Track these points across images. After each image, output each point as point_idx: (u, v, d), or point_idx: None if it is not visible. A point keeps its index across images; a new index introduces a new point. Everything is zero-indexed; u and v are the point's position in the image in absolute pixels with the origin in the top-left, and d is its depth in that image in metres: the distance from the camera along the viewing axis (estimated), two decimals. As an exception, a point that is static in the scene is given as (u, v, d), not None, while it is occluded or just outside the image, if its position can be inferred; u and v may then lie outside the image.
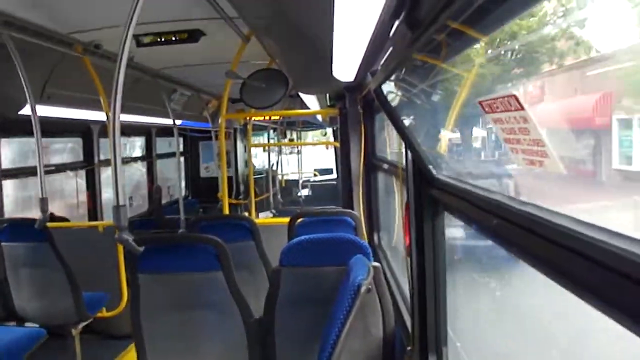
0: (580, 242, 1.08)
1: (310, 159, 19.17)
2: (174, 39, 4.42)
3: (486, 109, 1.31)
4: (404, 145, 2.93)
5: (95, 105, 5.30)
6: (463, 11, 1.34)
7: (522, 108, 1.14)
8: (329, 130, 15.75)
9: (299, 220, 4.72)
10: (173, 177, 10.65)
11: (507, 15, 1.46)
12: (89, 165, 7.23)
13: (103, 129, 7.14)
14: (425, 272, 2.69)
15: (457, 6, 1.25)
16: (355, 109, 5.21)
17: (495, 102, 1.25)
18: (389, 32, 2.18)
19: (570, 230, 1.13)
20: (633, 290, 0.89)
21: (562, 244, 1.16)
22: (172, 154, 10.11)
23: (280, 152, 15.56)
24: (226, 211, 5.46)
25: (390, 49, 2.69)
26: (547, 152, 1.14)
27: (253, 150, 12.72)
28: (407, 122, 3.37)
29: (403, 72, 2.84)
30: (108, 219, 6.99)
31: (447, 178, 2.37)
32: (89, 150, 7.21)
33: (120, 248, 5.25)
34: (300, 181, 15.63)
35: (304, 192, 14.90)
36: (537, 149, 1.17)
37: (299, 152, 16.66)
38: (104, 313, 5.31)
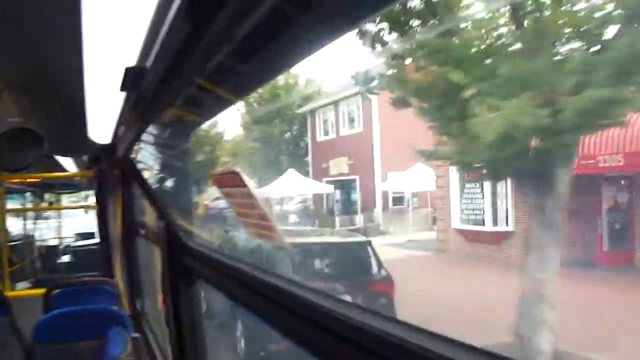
0: (320, 314, 1.17)
1: (73, 222, 18.09)
2: None
3: (217, 184, 1.34)
4: (156, 211, 2.90)
5: None
6: (207, 73, 1.37)
7: (246, 185, 1.18)
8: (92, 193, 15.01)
9: (56, 290, 4.40)
10: None
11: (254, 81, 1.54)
12: None
13: None
14: (184, 340, 2.64)
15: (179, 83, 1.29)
16: (113, 172, 5.02)
17: (224, 177, 1.28)
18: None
19: (312, 302, 1.21)
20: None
21: (304, 315, 1.23)
22: None
23: (37, 217, 14.42)
24: None
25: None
26: (273, 227, 1.19)
27: (8, 214, 11.61)
28: (168, 183, 3.33)
29: (166, 133, 2.83)
30: None
31: (199, 246, 2.36)
32: None
33: None
34: (61, 247, 14.57)
35: (66, 259, 13.88)
36: (264, 224, 1.21)
37: (58, 216, 15.61)
38: None
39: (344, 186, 30.80)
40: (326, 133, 32.53)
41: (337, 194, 31.03)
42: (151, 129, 2.63)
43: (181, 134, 2.67)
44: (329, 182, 30.52)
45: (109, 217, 5.23)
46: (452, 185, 17.78)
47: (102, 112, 3.11)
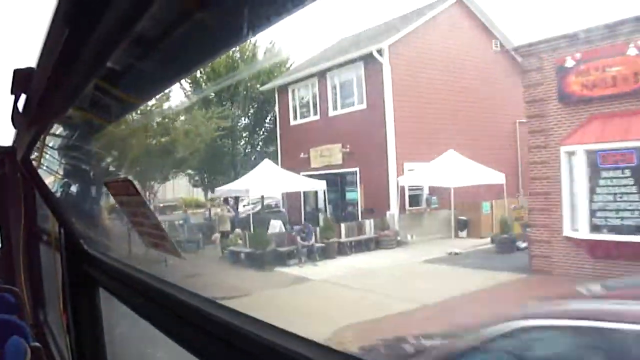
0: (209, 321, 1.18)
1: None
2: None
3: (112, 191, 1.31)
4: (55, 217, 2.79)
5: None
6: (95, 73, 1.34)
7: (139, 193, 1.16)
8: None
9: None
10: None
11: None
12: None
13: None
14: (84, 348, 2.57)
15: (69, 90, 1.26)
16: (16, 176, 4.79)
17: (117, 185, 1.25)
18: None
19: (205, 312, 1.22)
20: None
21: (198, 323, 1.24)
22: None
23: None
24: None
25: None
26: (165, 236, 1.18)
27: None
28: (70, 188, 3.21)
29: (66, 136, 2.74)
30: None
31: (100, 254, 2.30)
32: None
33: None
34: None
35: None
36: (157, 232, 1.20)
37: None
38: None
39: (337, 182, 23.14)
40: (304, 114, 24.99)
41: (325, 193, 22.95)
42: (52, 131, 2.54)
43: (83, 137, 2.58)
44: (307, 177, 22.86)
45: (11, 222, 4.98)
46: (571, 175, 11.55)
47: (2, 115, 2.98)
